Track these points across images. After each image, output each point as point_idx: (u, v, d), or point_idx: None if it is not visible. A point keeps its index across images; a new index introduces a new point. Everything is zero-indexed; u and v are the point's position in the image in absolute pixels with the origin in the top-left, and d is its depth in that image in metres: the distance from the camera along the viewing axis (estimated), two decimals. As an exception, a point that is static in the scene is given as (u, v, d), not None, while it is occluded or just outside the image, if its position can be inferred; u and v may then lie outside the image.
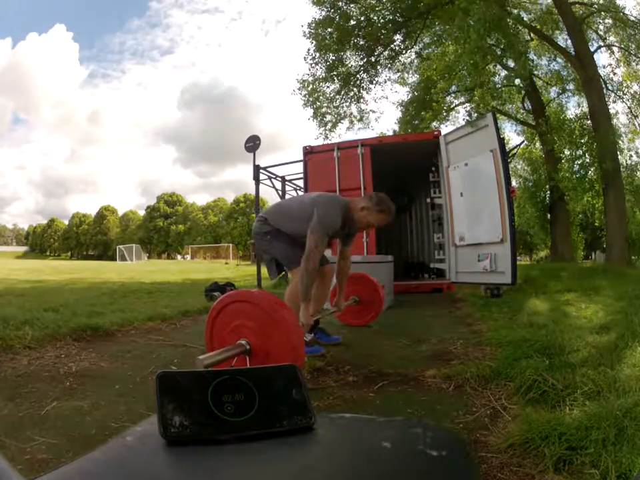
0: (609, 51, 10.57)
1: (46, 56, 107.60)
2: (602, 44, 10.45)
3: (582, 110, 10.85)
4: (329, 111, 10.74)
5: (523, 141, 11.81)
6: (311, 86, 10.43)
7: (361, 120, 11.15)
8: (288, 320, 1.62)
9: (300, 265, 2.21)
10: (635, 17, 9.48)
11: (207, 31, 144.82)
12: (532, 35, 10.43)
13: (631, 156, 10.91)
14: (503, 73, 10.15)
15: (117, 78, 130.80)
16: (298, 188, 8.06)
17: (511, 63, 9.52)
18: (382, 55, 10.64)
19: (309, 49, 10.26)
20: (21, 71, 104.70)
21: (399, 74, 11.56)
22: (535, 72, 11.35)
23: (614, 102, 10.67)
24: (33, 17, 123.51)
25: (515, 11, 9.48)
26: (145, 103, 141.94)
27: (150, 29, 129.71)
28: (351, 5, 10.00)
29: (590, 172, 10.01)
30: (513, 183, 12.19)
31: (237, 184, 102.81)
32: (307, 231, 2.23)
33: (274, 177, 7.62)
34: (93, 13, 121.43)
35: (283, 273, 2.69)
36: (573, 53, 9.20)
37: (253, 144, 6.52)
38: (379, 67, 10.88)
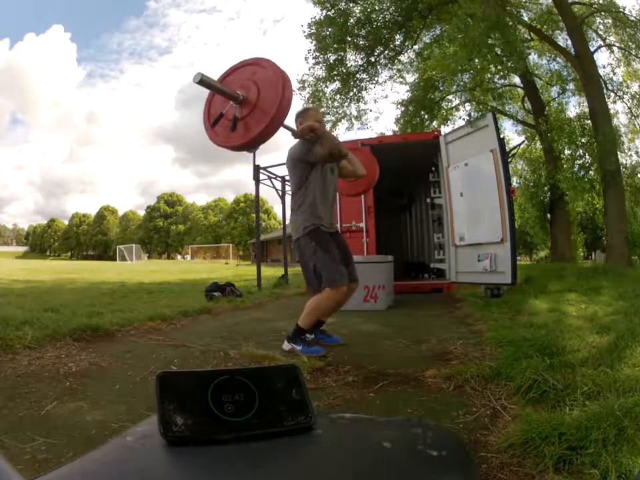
0: (609, 51, 10.57)
1: (44, 56, 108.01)
2: (602, 44, 10.45)
3: (582, 110, 10.85)
4: (329, 111, 10.75)
5: (523, 141, 11.81)
6: (312, 87, 10.44)
7: (360, 120, 11.16)
8: (278, 73, 1.90)
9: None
10: (635, 17, 9.47)
11: (205, 30, 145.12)
12: (532, 34, 10.43)
13: (631, 156, 10.92)
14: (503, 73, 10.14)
15: (115, 78, 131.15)
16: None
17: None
18: (382, 55, 10.64)
19: (309, 49, 10.27)
20: (18, 72, 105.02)
21: (398, 73, 11.55)
22: (535, 72, 11.36)
23: (614, 102, 10.68)
24: (30, 18, 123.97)
25: (515, 11, 9.47)
26: (144, 102, 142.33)
27: (148, 29, 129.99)
28: (351, 5, 10.01)
29: (590, 172, 10.00)
30: (513, 183, 12.19)
31: (236, 184, 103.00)
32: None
33: (274, 176, 7.61)
34: (91, 13, 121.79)
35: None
36: (573, 52, 9.20)
37: (253, 144, 6.51)
38: (378, 67, 10.89)
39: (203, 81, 1.81)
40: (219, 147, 2.08)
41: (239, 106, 1.89)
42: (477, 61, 7.61)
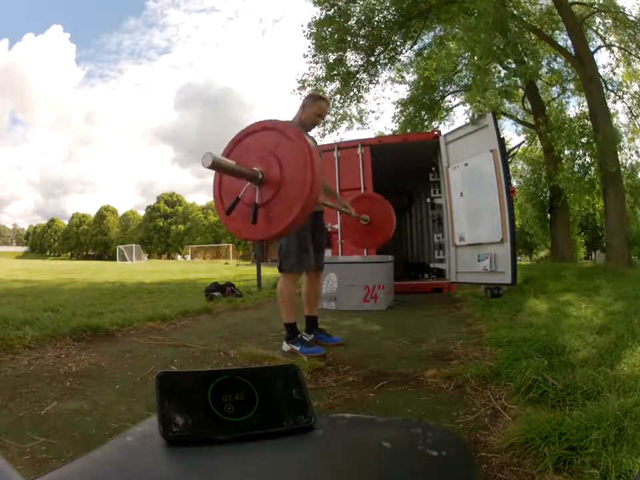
0: (609, 51, 10.58)
1: (43, 57, 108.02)
2: (602, 44, 10.46)
3: (582, 110, 10.85)
4: (329, 111, 10.75)
5: (523, 141, 11.83)
6: (311, 87, 10.44)
7: (360, 120, 11.17)
8: (306, 148, 1.52)
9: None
10: (635, 17, 9.48)
11: (204, 30, 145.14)
12: (532, 34, 10.44)
13: (630, 155, 10.92)
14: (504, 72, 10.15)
15: (114, 78, 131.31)
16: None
17: (513, 64, 9.54)
18: (382, 55, 10.65)
19: (309, 47, 10.27)
20: (18, 72, 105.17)
21: (398, 73, 11.57)
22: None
23: (614, 102, 10.69)
24: (29, 19, 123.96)
25: (516, 12, 9.48)
26: (143, 103, 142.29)
27: (147, 29, 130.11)
28: (351, 5, 10.01)
29: (590, 172, 10.01)
30: (513, 183, 12.19)
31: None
32: None
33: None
34: (90, 13, 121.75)
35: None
36: (573, 53, 9.21)
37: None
38: (378, 67, 10.90)
39: (215, 164, 1.44)
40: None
41: (258, 186, 1.54)
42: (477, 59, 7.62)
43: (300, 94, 10.67)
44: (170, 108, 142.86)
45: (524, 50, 8.39)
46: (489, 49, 7.31)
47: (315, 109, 2.50)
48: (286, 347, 2.52)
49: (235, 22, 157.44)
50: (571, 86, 11.28)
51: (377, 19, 9.89)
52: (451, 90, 11.80)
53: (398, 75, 11.59)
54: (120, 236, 58.42)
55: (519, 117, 12.58)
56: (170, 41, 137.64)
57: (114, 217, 64.25)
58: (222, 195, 1.69)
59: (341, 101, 10.84)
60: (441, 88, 11.32)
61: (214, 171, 1.62)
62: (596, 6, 9.80)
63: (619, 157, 9.29)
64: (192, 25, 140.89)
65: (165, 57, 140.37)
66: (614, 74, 10.69)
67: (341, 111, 10.90)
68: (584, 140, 9.78)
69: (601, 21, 10.27)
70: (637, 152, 11.08)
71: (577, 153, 10.08)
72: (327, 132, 10.82)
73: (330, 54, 10.30)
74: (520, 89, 11.89)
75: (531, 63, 8.11)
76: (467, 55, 9.18)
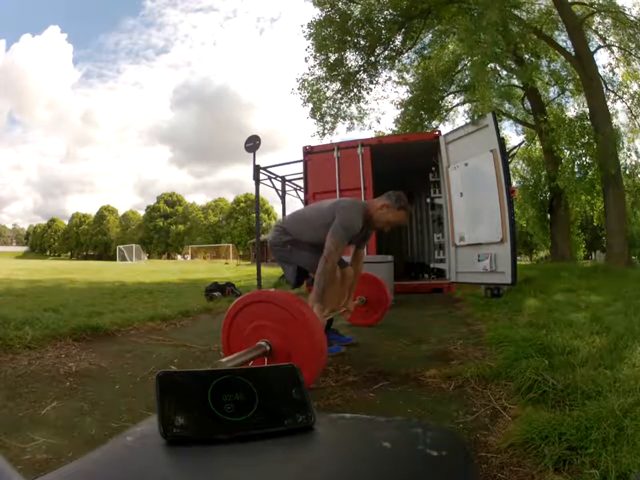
0: (609, 51, 10.57)
1: (40, 57, 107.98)
2: (602, 44, 10.45)
3: (582, 110, 10.86)
4: (329, 111, 10.75)
5: (523, 141, 11.82)
6: (311, 87, 10.44)
7: (361, 120, 11.17)
8: (310, 319, 1.59)
9: None
10: (635, 17, 9.48)
11: (201, 29, 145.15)
12: (532, 35, 10.44)
13: (630, 155, 10.92)
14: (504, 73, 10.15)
15: (112, 78, 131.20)
16: (298, 188, 8.06)
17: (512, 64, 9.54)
18: (382, 55, 10.65)
19: (309, 49, 10.27)
20: (15, 72, 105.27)
21: (399, 74, 11.57)
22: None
23: (614, 102, 10.68)
24: (26, 19, 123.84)
25: (517, 12, 9.49)
26: (142, 102, 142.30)
27: (145, 28, 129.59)
28: (351, 5, 10.01)
29: (590, 172, 10.01)
30: (513, 183, 12.19)
31: (234, 184, 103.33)
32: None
33: (274, 177, 7.61)
34: (88, 14, 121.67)
35: (306, 279, 2.67)
36: (573, 53, 9.21)
37: (252, 144, 6.51)
38: (378, 67, 10.89)
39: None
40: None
41: (267, 358, 1.59)
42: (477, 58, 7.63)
43: (300, 94, 10.67)
44: (168, 108, 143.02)
45: (526, 50, 8.38)
46: (489, 49, 7.31)
47: (392, 216, 2.36)
48: None
49: (232, 21, 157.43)
50: (571, 86, 11.28)
51: (376, 19, 9.89)
52: (452, 90, 11.81)
53: (399, 77, 11.61)
54: (120, 236, 58.39)
55: (518, 117, 12.58)
56: (168, 41, 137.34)
57: (114, 217, 64.23)
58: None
59: (342, 101, 10.84)
60: (441, 88, 11.32)
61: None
62: (596, 6, 9.80)
63: (619, 157, 9.29)
64: (189, 24, 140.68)
65: (163, 56, 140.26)
66: (614, 74, 10.70)
67: (341, 111, 10.88)
68: (584, 140, 9.79)
69: (601, 21, 10.27)
70: (636, 152, 11.09)
71: (577, 153, 10.09)
72: (327, 131, 10.82)
73: (330, 54, 10.30)
74: (518, 89, 11.91)
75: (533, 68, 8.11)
76: (467, 55, 9.18)
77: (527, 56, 9.94)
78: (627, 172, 10.49)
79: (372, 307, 3.26)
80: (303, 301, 1.71)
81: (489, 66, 8.26)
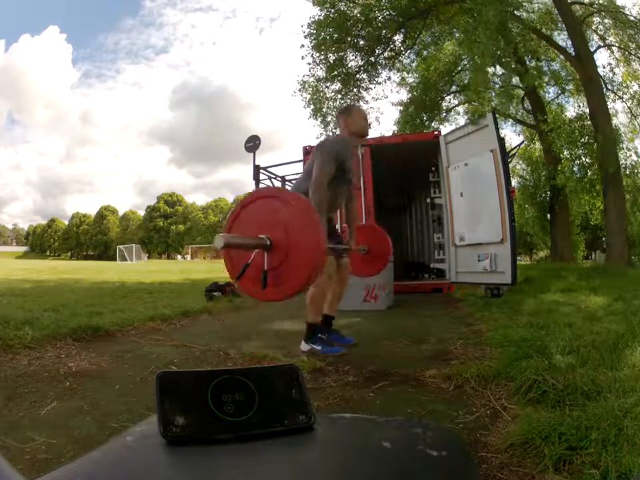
0: (609, 51, 10.57)
1: (39, 57, 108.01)
2: (602, 44, 10.46)
3: (582, 110, 10.85)
4: (330, 111, 10.75)
5: (522, 141, 11.82)
6: (312, 88, 10.44)
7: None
8: (311, 214, 1.61)
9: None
10: (635, 17, 9.48)
11: (201, 29, 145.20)
12: (532, 34, 10.44)
13: (630, 155, 10.92)
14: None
15: (111, 77, 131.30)
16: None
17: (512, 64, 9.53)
18: (382, 55, 10.66)
19: (309, 49, 10.27)
20: (15, 73, 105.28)
21: (398, 74, 11.58)
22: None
23: (614, 102, 10.69)
24: (26, 19, 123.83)
25: (517, 12, 9.48)
26: (141, 102, 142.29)
27: (144, 28, 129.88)
28: (351, 5, 10.01)
29: (590, 172, 10.01)
30: (513, 183, 12.19)
31: (234, 184, 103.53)
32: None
33: (274, 177, 7.62)
34: (87, 14, 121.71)
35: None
36: (573, 53, 9.21)
37: (252, 144, 6.52)
38: (378, 67, 10.90)
39: (227, 244, 1.54)
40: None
41: (267, 252, 1.61)
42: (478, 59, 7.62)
43: (301, 95, 10.68)
44: (168, 108, 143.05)
45: (526, 51, 8.38)
46: (489, 50, 7.31)
47: (353, 123, 2.46)
48: (305, 346, 2.47)
49: (232, 21, 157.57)
50: (571, 86, 11.28)
51: (376, 19, 9.89)
52: (452, 90, 11.81)
53: (399, 77, 11.61)
54: (120, 236, 58.41)
55: (518, 117, 12.58)
56: (167, 41, 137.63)
57: (114, 217, 64.25)
58: (232, 263, 1.75)
59: (342, 101, 10.83)
60: (442, 88, 11.32)
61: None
62: (596, 6, 9.80)
63: (619, 157, 9.29)
64: (189, 24, 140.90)
65: (162, 56, 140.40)
66: (614, 74, 10.70)
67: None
68: (583, 140, 9.79)
69: (601, 21, 10.27)
70: (636, 152, 11.09)
71: (577, 152, 10.09)
72: (328, 132, 10.82)
73: (330, 54, 10.30)
74: (519, 89, 11.90)
75: (534, 71, 8.11)
76: (467, 56, 9.19)
77: (527, 57, 9.93)
78: (627, 172, 10.49)
79: (373, 258, 3.15)
80: (305, 199, 1.77)
81: (489, 69, 8.26)
